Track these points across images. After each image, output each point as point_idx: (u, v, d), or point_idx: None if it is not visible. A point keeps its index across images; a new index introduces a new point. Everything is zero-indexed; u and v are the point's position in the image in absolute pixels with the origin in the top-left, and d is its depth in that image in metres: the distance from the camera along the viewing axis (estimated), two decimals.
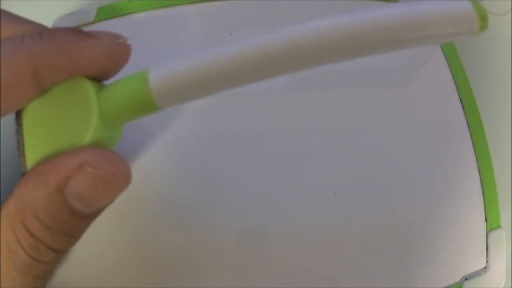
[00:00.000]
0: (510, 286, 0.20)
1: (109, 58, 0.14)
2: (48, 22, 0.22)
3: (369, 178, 0.19)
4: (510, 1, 0.26)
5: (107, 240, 0.18)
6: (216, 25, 0.22)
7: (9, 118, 0.18)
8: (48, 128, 0.14)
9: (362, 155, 0.20)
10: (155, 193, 0.19)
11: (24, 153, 0.14)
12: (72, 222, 0.13)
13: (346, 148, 0.20)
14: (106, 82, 0.14)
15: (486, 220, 0.20)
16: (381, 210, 0.19)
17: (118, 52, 0.14)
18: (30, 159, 0.14)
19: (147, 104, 0.13)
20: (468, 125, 0.21)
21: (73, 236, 0.14)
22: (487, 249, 0.20)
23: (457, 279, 0.19)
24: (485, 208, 0.20)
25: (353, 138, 0.20)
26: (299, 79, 0.21)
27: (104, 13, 0.23)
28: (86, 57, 0.13)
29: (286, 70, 0.12)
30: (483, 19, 0.12)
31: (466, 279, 0.19)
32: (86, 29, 0.22)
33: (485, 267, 0.20)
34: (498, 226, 0.20)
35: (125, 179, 0.13)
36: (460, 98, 0.21)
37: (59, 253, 0.14)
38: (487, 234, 0.20)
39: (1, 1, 0.21)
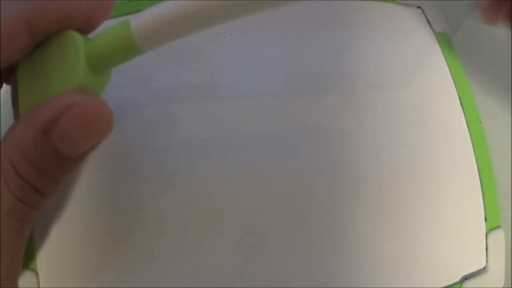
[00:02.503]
0: (510, 286, 0.20)
1: (96, 8, 0.15)
2: None
3: (368, 178, 0.19)
4: None
5: (106, 241, 0.18)
6: (216, 25, 0.22)
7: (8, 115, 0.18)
8: (40, 83, 0.15)
9: (361, 155, 0.20)
10: (151, 193, 0.19)
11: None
12: (56, 164, 0.14)
13: (345, 148, 0.20)
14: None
15: (485, 220, 0.20)
16: (380, 210, 0.19)
17: (104, 2, 0.15)
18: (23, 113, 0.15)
19: (128, 45, 0.14)
20: (467, 125, 0.21)
21: (56, 179, 0.14)
22: (486, 249, 0.20)
23: (457, 279, 0.19)
24: (484, 208, 0.20)
25: (352, 138, 0.20)
26: (296, 81, 0.21)
27: None
28: (73, 6, 0.15)
29: (255, 8, 0.14)
30: None
31: (466, 279, 0.19)
32: None
33: (484, 267, 0.20)
34: (498, 226, 0.20)
35: (108, 123, 0.14)
36: (459, 98, 0.21)
37: (43, 197, 0.15)
38: (486, 234, 0.20)
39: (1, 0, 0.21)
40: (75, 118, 0.13)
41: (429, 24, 0.23)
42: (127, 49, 0.14)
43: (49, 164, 0.14)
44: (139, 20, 0.13)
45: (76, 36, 0.15)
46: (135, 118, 0.20)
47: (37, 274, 0.18)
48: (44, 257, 0.18)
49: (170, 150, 0.19)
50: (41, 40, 0.15)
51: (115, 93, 0.20)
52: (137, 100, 0.20)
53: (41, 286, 0.18)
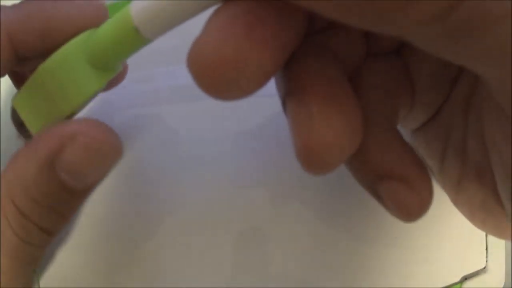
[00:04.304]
0: (510, 286, 0.20)
1: (84, 18, 0.14)
2: None
3: None
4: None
5: (106, 241, 0.18)
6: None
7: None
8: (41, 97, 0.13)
9: None
10: (153, 194, 0.19)
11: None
12: (62, 198, 0.13)
13: None
14: None
15: None
16: (381, 209, 0.19)
17: (93, 11, 0.14)
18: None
19: (130, 33, 0.12)
20: None
21: (63, 214, 0.13)
22: (486, 249, 0.20)
23: (457, 279, 0.19)
24: None
25: None
26: None
27: None
28: (58, 18, 0.13)
29: None
30: None
31: (466, 279, 0.19)
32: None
33: (484, 267, 0.19)
34: None
35: (116, 151, 0.13)
36: None
37: (49, 235, 0.14)
38: (486, 234, 0.20)
39: (0, 0, 0.22)
40: (80, 148, 0.12)
41: None
42: (129, 38, 0.12)
43: (53, 198, 0.13)
44: (139, 5, 0.12)
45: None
46: (135, 119, 0.20)
47: (37, 274, 0.18)
48: (44, 258, 0.18)
49: (171, 150, 0.19)
50: (25, 55, 0.14)
51: (115, 93, 0.20)
52: (137, 101, 0.20)
53: (41, 286, 0.18)
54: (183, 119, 0.20)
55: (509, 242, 0.20)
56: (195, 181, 0.19)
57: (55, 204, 0.13)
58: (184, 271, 0.18)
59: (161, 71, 0.20)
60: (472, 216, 0.13)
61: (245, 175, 0.19)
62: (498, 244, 0.20)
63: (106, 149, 0.13)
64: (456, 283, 0.19)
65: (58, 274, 0.18)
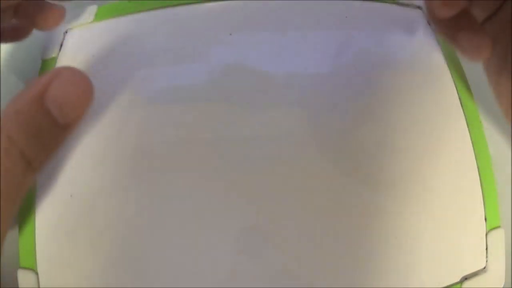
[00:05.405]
0: (509, 286, 0.20)
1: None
2: None
3: (369, 178, 0.19)
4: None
5: (107, 241, 0.18)
6: (215, 26, 0.22)
7: None
8: None
9: (362, 155, 0.20)
10: (152, 194, 0.19)
11: None
12: (47, 129, 0.15)
13: (346, 149, 0.20)
14: None
15: (485, 220, 0.20)
16: (381, 210, 0.19)
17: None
18: None
19: None
20: (467, 125, 0.21)
21: (45, 146, 0.15)
22: (486, 249, 0.20)
23: (457, 279, 0.19)
24: (484, 208, 0.20)
25: (352, 139, 0.20)
26: (297, 80, 0.21)
27: (104, 13, 0.23)
28: None
29: None
30: None
31: (466, 279, 0.19)
32: (86, 28, 0.22)
33: (484, 267, 0.19)
34: (498, 226, 0.20)
35: (90, 91, 0.15)
36: (459, 98, 0.21)
37: (29, 166, 0.15)
38: (486, 234, 0.20)
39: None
40: (64, 81, 0.15)
41: (429, 24, 0.23)
42: None
43: (39, 128, 0.15)
44: None
45: None
46: (135, 118, 0.20)
47: (37, 274, 0.18)
48: (44, 257, 0.18)
49: (171, 150, 0.19)
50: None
51: (116, 92, 0.20)
52: (137, 100, 0.20)
53: (41, 286, 0.18)
54: (183, 119, 0.20)
55: (509, 242, 0.20)
56: (195, 181, 0.19)
57: (40, 133, 0.15)
58: (184, 271, 0.18)
59: (161, 71, 0.20)
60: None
61: (245, 175, 0.19)
62: (498, 244, 0.20)
63: (84, 84, 0.15)
64: (456, 283, 0.19)
65: (58, 274, 0.18)
